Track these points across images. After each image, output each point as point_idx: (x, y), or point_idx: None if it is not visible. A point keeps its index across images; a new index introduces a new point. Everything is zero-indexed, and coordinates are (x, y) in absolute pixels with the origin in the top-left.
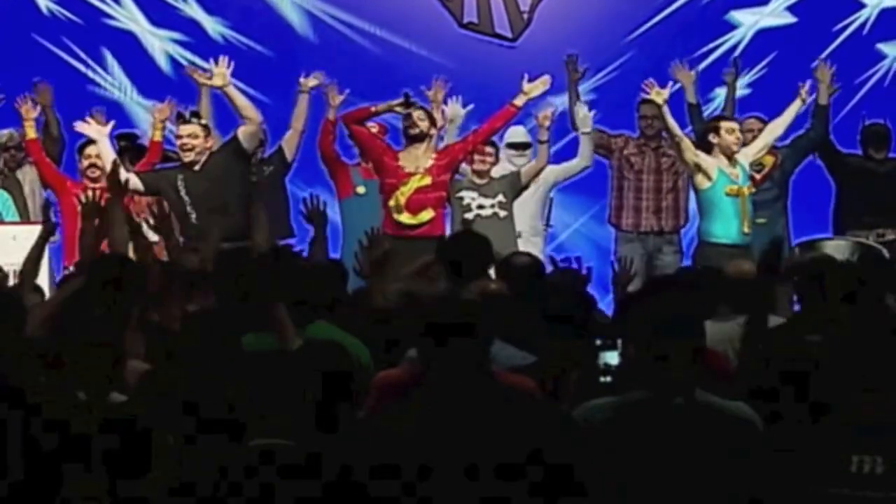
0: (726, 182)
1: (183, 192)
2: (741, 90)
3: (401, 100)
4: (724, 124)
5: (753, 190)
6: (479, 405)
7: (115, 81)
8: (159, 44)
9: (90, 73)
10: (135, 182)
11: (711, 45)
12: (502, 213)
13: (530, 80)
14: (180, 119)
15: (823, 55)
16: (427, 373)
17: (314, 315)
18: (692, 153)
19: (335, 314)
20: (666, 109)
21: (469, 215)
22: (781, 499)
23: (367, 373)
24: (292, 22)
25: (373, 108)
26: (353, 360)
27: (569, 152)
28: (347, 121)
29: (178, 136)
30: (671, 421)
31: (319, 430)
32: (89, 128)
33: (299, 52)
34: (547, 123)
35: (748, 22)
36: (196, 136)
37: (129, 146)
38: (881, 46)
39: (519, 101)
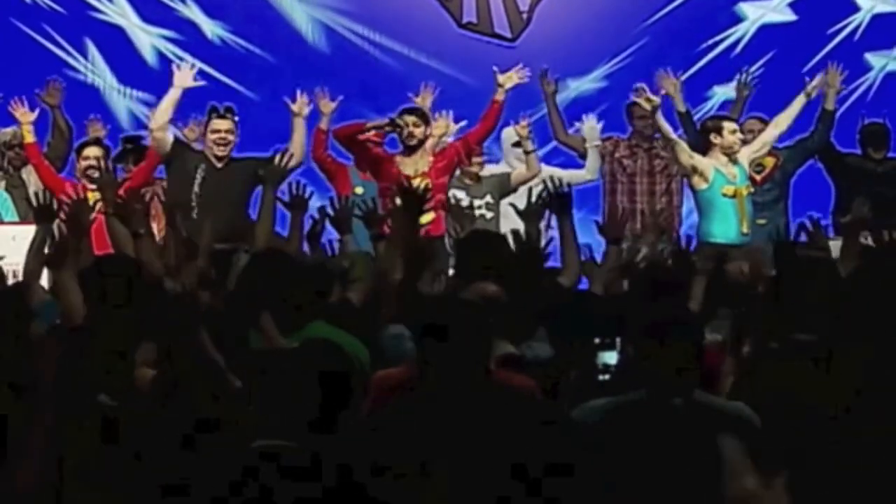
0: (723, 182)
1: (197, 184)
2: (735, 90)
3: (385, 121)
4: (727, 125)
5: (752, 190)
6: (479, 405)
7: (92, 67)
8: (148, 39)
9: (63, 55)
10: (160, 138)
11: (716, 39)
12: (489, 214)
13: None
14: (214, 113)
15: (816, 59)
16: (427, 372)
17: (313, 315)
18: (687, 155)
19: (334, 313)
20: (659, 115)
21: None
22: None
23: (365, 372)
24: (293, 26)
25: (362, 126)
26: (352, 360)
27: (551, 158)
28: (338, 138)
29: (215, 130)
30: (670, 421)
31: (319, 431)
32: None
33: (299, 56)
34: (525, 133)
35: (753, 16)
36: (232, 132)
37: (134, 147)
38: (869, 57)
39: (499, 95)
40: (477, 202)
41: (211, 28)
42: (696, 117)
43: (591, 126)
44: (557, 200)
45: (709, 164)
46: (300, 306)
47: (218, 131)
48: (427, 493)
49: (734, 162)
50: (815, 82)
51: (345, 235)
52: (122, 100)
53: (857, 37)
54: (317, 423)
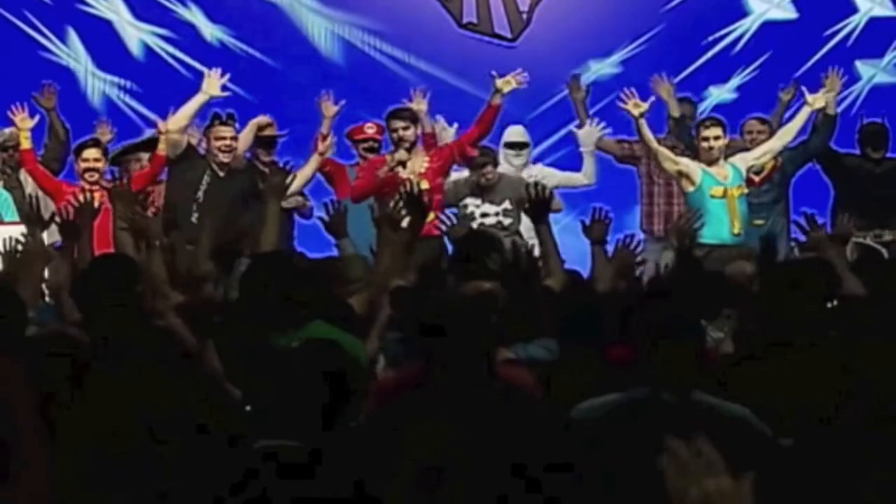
0: (711, 183)
1: (201, 192)
2: (731, 93)
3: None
4: (703, 130)
5: (745, 191)
6: (479, 404)
7: (70, 52)
8: (137, 33)
9: (40, 38)
10: (175, 140)
11: (721, 34)
12: (506, 221)
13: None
14: (218, 119)
15: (810, 63)
16: (428, 372)
17: (314, 314)
18: (671, 161)
19: (333, 313)
20: (642, 122)
21: (473, 224)
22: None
23: (365, 371)
24: (293, 30)
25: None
26: (352, 359)
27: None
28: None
29: (221, 137)
30: (668, 420)
31: (319, 430)
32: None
33: (299, 59)
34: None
35: (759, 10)
36: (235, 139)
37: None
38: (859, 65)
39: (496, 99)
40: (493, 209)
41: (211, 31)
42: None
43: (586, 132)
44: (535, 207)
45: (696, 167)
46: (302, 305)
47: (223, 138)
48: (428, 494)
49: (720, 163)
50: (817, 95)
51: (341, 240)
52: (97, 83)
53: (851, 41)
54: (317, 423)
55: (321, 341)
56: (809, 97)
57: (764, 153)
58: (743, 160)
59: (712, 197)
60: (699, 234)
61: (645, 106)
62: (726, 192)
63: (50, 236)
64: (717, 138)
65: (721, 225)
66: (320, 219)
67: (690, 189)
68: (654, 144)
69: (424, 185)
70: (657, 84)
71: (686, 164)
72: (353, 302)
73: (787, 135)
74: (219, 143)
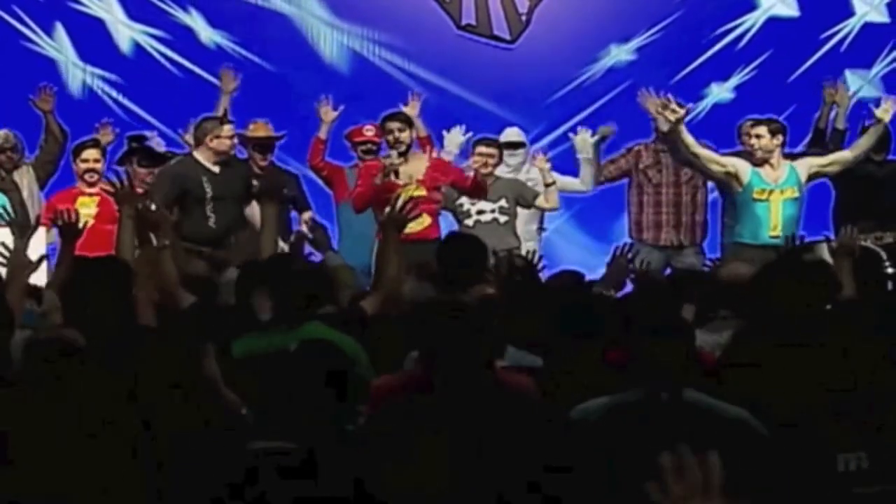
0: (758, 184)
1: (209, 194)
2: (728, 93)
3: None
4: (749, 129)
5: (797, 194)
6: (481, 406)
7: (55, 44)
8: (128, 32)
9: (22, 28)
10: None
11: (727, 27)
12: (503, 219)
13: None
14: (222, 120)
15: (803, 68)
16: (430, 375)
17: (308, 315)
18: (718, 164)
19: (331, 315)
20: (682, 128)
21: (469, 221)
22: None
23: (366, 371)
24: (292, 32)
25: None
26: (348, 359)
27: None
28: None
29: (229, 136)
30: (663, 420)
31: (319, 431)
32: None
33: (297, 62)
34: (546, 167)
35: (766, 4)
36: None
37: (138, 147)
38: (848, 75)
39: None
40: (489, 206)
41: (209, 35)
42: (689, 117)
43: (582, 138)
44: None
45: (746, 167)
46: (302, 306)
47: (231, 137)
48: (427, 493)
49: (777, 164)
50: (884, 106)
51: (326, 253)
52: (79, 73)
53: (844, 46)
54: (317, 423)
55: (320, 342)
56: (877, 111)
57: (832, 161)
58: (806, 165)
59: (755, 198)
60: (738, 233)
61: (682, 111)
62: (771, 194)
63: (48, 237)
64: (758, 137)
65: (760, 226)
66: (305, 237)
67: (739, 190)
68: (697, 148)
69: (421, 191)
70: (646, 99)
71: (734, 164)
72: (364, 305)
73: (858, 148)
74: (228, 143)
